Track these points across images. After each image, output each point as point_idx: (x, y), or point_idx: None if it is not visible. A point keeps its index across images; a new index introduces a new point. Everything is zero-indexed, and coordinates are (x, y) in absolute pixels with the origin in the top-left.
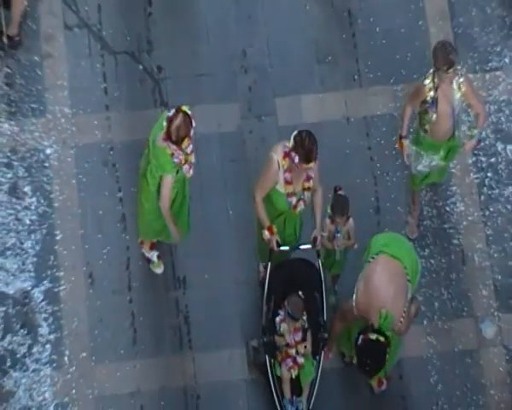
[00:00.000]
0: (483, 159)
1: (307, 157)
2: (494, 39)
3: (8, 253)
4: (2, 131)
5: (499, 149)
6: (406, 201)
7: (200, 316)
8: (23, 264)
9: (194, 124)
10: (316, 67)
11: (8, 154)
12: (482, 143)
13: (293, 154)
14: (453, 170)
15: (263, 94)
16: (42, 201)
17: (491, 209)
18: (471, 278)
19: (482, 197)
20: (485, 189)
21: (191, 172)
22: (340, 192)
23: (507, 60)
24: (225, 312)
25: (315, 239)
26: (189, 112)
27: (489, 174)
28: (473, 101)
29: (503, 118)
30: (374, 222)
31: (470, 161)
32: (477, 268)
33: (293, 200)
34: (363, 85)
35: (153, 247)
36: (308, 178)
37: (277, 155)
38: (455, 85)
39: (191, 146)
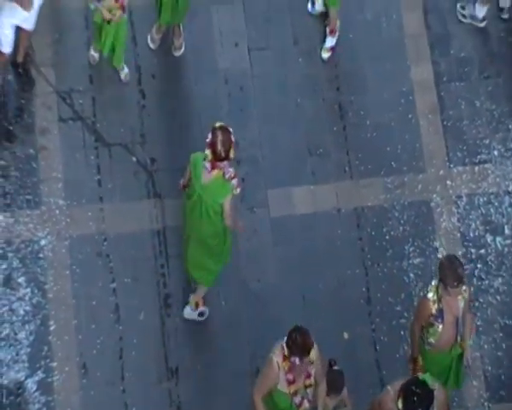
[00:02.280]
0: (472, 250)
1: (304, 351)
2: (483, 132)
3: (2, 343)
4: None
5: (488, 240)
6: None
7: (193, 407)
8: (17, 354)
9: (231, 129)
10: (307, 158)
11: (3, 245)
12: (472, 235)
13: (292, 358)
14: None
15: (255, 185)
16: (36, 291)
17: (481, 300)
18: None
19: (472, 289)
20: (474, 280)
21: (238, 190)
22: (335, 367)
23: (495, 153)
24: (218, 403)
25: None
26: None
27: (478, 265)
28: (468, 310)
29: (492, 210)
30: (365, 312)
31: (460, 253)
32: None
33: (298, 398)
34: (353, 177)
35: (204, 301)
36: (309, 376)
37: (276, 357)
38: (459, 296)
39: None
